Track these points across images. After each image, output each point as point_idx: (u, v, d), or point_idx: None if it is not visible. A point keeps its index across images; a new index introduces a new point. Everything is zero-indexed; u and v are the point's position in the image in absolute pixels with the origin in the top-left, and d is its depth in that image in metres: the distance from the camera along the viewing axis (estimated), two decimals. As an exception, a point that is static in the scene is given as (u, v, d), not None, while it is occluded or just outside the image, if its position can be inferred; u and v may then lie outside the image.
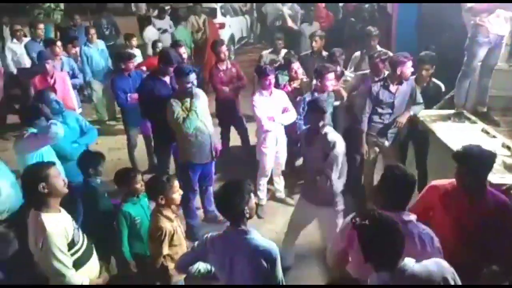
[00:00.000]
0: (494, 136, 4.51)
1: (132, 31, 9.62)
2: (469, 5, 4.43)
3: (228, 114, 6.20)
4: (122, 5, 20.67)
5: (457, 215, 2.90)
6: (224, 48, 6.06)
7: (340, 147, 3.90)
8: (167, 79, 4.90)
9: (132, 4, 15.94)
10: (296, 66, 5.48)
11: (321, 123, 3.97)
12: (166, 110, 4.46)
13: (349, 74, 5.73)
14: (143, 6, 15.23)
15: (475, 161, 2.91)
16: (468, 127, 4.76)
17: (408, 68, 4.68)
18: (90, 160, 3.89)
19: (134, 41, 8.21)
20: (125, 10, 18.81)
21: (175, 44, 6.09)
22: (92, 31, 8.25)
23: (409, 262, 2.21)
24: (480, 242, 2.90)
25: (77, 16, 10.44)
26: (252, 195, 2.70)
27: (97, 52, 7.99)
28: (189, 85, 4.42)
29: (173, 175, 3.85)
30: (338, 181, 3.98)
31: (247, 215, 2.65)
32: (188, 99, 4.46)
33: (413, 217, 2.63)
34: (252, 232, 2.65)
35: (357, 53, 6.26)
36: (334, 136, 3.94)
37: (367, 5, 11.17)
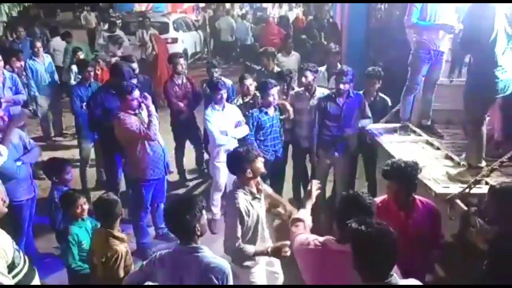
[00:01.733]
0: (438, 148, 4.69)
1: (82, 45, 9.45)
2: (411, 22, 4.63)
3: (184, 128, 6.12)
4: (71, 18, 20.25)
5: (393, 228, 2.97)
6: (181, 60, 6.01)
7: None
8: None
9: (82, 17, 15.58)
10: (249, 82, 5.49)
11: None
12: (115, 125, 4.34)
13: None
14: (92, 19, 14.98)
15: (401, 176, 3.02)
16: (413, 140, 4.94)
17: (344, 83, 4.81)
18: (53, 168, 3.73)
19: (81, 55, 7.97)
20: (73, 22, 18.39)
21: (127, 58, 5.98)
22: (38, 44, 7.95)
23: (396, 277, 2.13)
24: (419, 248, 3.01)
25: (21, 28, 10.04)
26: (204, 212, 2.64)
27: (43, 66, 7.69)
28: (134, 102, 4.36)
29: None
30: None
31: (198, 233, 2.59)
32: (140, 111, 4.40)
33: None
34: (203, 249, 2.59)
35: (320, 68, 6.33)
36: None
37: (321, 23, 11.51)
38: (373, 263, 2.08)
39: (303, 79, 5.23)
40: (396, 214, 3.07)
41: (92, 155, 6.20)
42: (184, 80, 6.08)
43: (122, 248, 3.23)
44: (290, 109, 5.16)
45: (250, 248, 3.26)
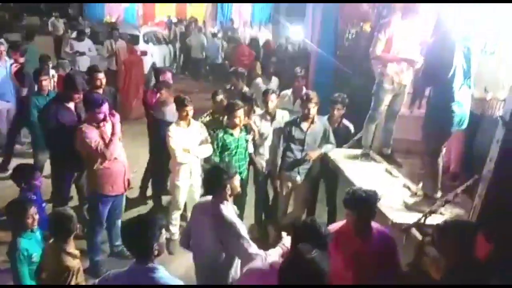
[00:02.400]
0: (396, 177, 4.81)
1: (47, 51, 9.23)
2: (376, 54, 4.78)
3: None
4: (38, 23, 19.77)
5: (350, 255, 3.03)
6: (168, 75, 5.95)
7: None
8: (71, 105, 4.66)
9: (49, 23, 15.24)
10: (220, 98, 5.50)
11: None
12: (74, 137, 4.22)
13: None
14: (60, 26, 14.69)
15: (360, 205, 3.07)
16: (373, 167, 5.05)
17: (310, 108, 4.90)
18: (21, 173, 3.57)
19: (49, 63, 7.76)
20: (40, 28, 17.93)
21: (93, 69, 5.83)
22: (2, 47, 7.67)
23: None
24: (375, 275, 3.03)
25: (-16, 30, 9.72)
26: (163, 231, 2.58)
27: (5, 70, 7.42)
28: (101, 115, 4.25)
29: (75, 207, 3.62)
30: None
31: (156, 252, 2.52)
32: (104, 124, 4.30)
33: None
34: (159, 269, 2.53)
35: (286, 92, 6.39)
36: None
37: (289, 46, 11.70)
38: None
39: (270, 103, 5.27)
40: (353, 240, 3.10)
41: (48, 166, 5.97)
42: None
43: (74, 264, 3.13)
44: (256, 128, 5.18)
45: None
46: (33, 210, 3.41)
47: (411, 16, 4.60)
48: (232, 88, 6.72)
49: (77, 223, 3.30)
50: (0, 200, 5.11)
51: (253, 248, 3.17)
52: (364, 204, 3.07)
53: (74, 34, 12.27)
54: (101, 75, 5.65)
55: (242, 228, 3.27)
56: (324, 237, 2.56)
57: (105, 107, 4.27)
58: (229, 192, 3.30)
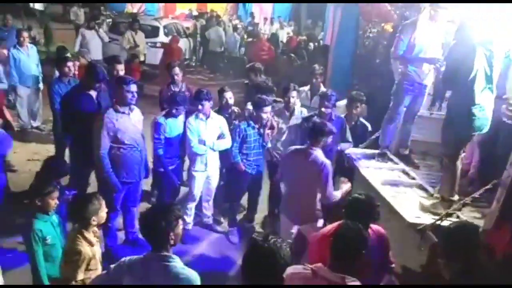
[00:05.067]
0: (413, 178, 4.78)
1: (69, 39, 9.36)
2: (397, 54, 4.75)
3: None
4: (60, 11, 20.00)
5: None
6: (177, 70, 5.97)
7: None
8: (93, 94, 4.72)
9: (71, 12, 15.42)
10: (228, 95, 5.52)
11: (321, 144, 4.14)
12: (94, 123, 4.29)
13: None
14: (81, 16, 14.84)
15: (361, 214, 3.06)
16: (390, 167, 5.02)
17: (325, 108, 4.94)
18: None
19: (68, 55, 7.85)
20: (63, 17, 18.17)
21: (114, 59, 5.89)
22: (25, 34, 7.82)
23: None
24: (369, 273, 2.99)
25: (9, 16, 9.88)
26: (180, 221, 2.62)
27: (27, 56, 7.57)
28: (129, 94, 4.31)
29: (96, 192, 3.66)
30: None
31: (172, 241, 2.56)
32: (126, 111, 4.35)
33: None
34: (174, 259, 2.56)
35: (303, 88, 6.37)
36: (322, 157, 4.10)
37: (311, 44, 11.68)
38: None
39: (291, 99, 5.27)
40: None
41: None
42: (183, 88, 5.98)
43: (87, 250, 3.15)
44: (275, 123, 5.20)
45: None
46: (55, 194, 3.48)
47: (438, 18, 4.56)
48: (250, 83, 6.73)
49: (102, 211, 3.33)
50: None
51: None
52: (364, 210, 3.10)
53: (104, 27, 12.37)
54: (121, 66, 5.70)
55: None
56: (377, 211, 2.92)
57: (134, 87, 4.33)
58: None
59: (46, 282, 3.38)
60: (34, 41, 10.11)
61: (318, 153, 4.11)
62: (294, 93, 5.31)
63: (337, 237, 2.61)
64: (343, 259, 2.56)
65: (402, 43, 4.66)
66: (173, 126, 4.95)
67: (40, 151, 6.89)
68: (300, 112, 5.37)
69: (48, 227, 3.45)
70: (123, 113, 4.35)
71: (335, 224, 3.09)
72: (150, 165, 5.03)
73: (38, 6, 19.29)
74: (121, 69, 5.67)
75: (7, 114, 5.58)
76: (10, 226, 4.99)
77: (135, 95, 4.38)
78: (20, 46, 7.54)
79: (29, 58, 7.58)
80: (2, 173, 4.37)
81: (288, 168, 4.37)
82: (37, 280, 3.40)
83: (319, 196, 4.15)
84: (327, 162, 4.09)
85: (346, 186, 4.32)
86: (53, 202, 3.46)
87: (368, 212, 3.11)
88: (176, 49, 11.30)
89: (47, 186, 3.50)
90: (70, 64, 6.01)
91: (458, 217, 3.80)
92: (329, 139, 4.20)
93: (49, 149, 6.66)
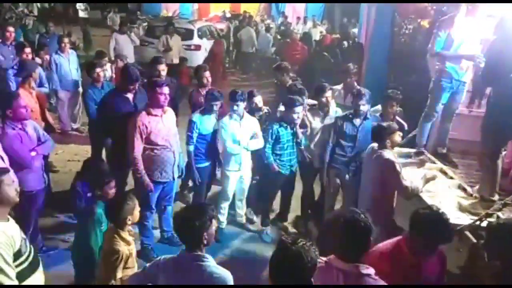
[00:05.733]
0: (451, 177, 4.65)
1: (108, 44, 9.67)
2: (435, 51, 4.63)
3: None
4: (99, 16, 20.64)
5: (406, 272, 2.82)
6: (207, 73, 6.04)
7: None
8: (129, 96, 4.84)
9: (108, 18, 15.88)
10: (258, 99, 5.53)
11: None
12: (128, 126, 4.39)
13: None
14: (118, 21, 15.26)
15: (427, 229, 2.79)
16: (428, 167, 4.89)
17: (361, 105, 4.82)
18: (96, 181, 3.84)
19: (106, 59, 8.07)
20: (102, 22, 18.73)
21: (156, 60, 5.99)
22: (66, 40, 8.14)
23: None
24: None
25: (51, 23, 10.29)
26: (213, 221, 2.64)
27: (67, 61, 7.86)
28: (162, 97, 4.39)
29: (130, 192, 3.78)
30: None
31: (205, 241, 2.59)
32: (159, 113, 4.44)
33: (371, 270, 2.50)
34: (207, 258, 2.60)
35: (337, 87, 6.29)
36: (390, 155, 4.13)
37: (344, 42, 11.55)
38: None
39: (323, 99, 5.23)
40: (409, 258, 2.85)
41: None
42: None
43: (124, 249, 3.24)
44: (308, 124, 5.17)
45: None
46: (112, 183, 3.75)
47: (477, 13, 4.41)
48: (278, 83, 6.70)
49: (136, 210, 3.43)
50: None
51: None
52: (428, 225, 2.80)
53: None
54: (162, 67, 5.79)
55: None
56: (369, 229, 2.56)
57: (166, 89, 4.42)
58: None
59: (97, 257, 3.56)
60: (74, 46, 10.47)
61: (386, 153, 4.12)
62: (329, 93, 5.26)
63: (347, 226, 2.56)
64: (355, 247, 2.53)
65: (440, 40, 4.54)
66: (207, 123, 5.01)
67: (80, 152, 7.12)
68: (335, 112, 5.30)
69: (103, 215, 3.61)
70: (156, 115, 4.44)
71: (393, 240, 2.95)
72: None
73: (81, 14, 19.97)
74: (162, 69, 5.72)
75: (49, 117, 5.79)
76: (53, 225, 5.23)
77: (167, 97, 4.45)
78: (61, 52, 7.86)
79: (69, 63, 7.87)
80: (45, 173, 4.54)
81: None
82: (89, 258, 3.61)
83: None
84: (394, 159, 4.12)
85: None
86: (111, 191, 3.69)
87: (441, 232, 2.83)
88: (298, 46, 11.72)
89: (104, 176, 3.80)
90: (98, 69, 6.09)
91: (498, 217, 3.67)
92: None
93: (88, 150, 6.82)
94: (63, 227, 5.12)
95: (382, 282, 2.51)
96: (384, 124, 4.34)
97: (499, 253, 2.73)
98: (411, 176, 4.26)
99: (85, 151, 7.01)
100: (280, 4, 20.65)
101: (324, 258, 2.60)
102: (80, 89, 7.94)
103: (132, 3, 20.11)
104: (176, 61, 10.56)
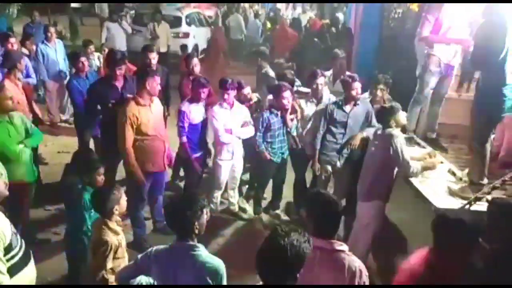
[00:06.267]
0: (441, 162, 4.67)
1: (94, 33, 9.52)
2: (423, 35, 4.62)
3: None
4: (86, 5, 20.27)
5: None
6: (194, 61, 5.98)
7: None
8: (117, 84, 4.77)
9: (95, 5, 15.64)
10: (246, 91, 5.51)
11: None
12: (117, 118, 4.35)
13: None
14: (106, 9, 15.04)
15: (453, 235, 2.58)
16: (417, 152, 4.92)
17: (354, 89, 4.80)
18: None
19: (92, 48, 7.96)
20: (89, 10, 18.43)
21: (146, 48, 5.91)
22: (52, 29, 8.02)
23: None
24: None
25: (36, 13, 10.11)
26: (204, 210, 2.64)
27: (54, 51, 7.74)
28: (156, 86, 4.37)
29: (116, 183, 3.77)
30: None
31: (197, 231, 2.59)
32: (147, 103, 4.40)
33: (345, 247, 2.60)
34: (199, 248, 2.60)
35: (326, 72, 6.24)
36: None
37: (333, 28, 11.50)
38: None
39: (315, 86, 5.21)
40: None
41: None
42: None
43: (113, 240, 3.23)
44: (299, 109, 5.17)
45: None
46: (101, 170, 3.72)
47: None
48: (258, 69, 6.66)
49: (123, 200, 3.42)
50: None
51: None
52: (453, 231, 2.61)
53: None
54: (153, 55, 5.72)
55: None
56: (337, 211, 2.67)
57: (158, 79, 4.39)
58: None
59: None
60: (60, 36, 10.31)
61: (392, 130, 4.16)
62: (321, 80, 5.24)
63: (313, 203, 2.68)
64: (325, 223, 2.62)
65: (429, 23, 4.53)
66: (196, 112, 4.98)
67: (70, 144, 7.03)
68: (328, 99, 5.28)
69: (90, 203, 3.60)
70: (144, 105, 4.40)
71: (421, 254, 2.74)
72: (173, 154, 5.08)
73: (74, 4, 19.53)
74: (153, 57, 5.66)
75: (37, 108, 5.72)
76: (44, 217, 5.20)
77: (158, 86, 4.42)
78: (47, 41, 7.73)
79: (56, 53, 7.76)
80: (35, 165, 4.49)
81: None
82: (81, 248, 3.61)
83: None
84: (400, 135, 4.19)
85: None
86: (100, 178, 3.67)
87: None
88: (288, 32, 11.71)
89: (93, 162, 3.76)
90: (83, 59, 6.00)
91: (487, 200, 3.70)
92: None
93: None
94: (55, 219, 5.10)
95: (355, 258, 2.58)
96: (387, 105, 4.38)
97: (500, 235, 2.73)
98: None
99: (75, 142, 6.93)
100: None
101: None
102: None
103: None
104: (163, 49, 10.46)
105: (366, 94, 5.31)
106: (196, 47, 12.96)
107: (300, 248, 2.07)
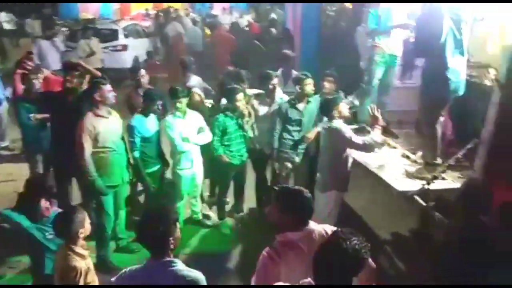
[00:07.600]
0: (394, 147, 4.87)
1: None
2: (370, 28, 4.79)
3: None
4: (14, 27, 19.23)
5: None
6: (141, 72, 5.86)
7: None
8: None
9: (26, 24, 14.91)
10: (196, 97, 5.50)
11: None
12: (75, 130, 4.22)
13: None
14: (37, 27, 14.38)
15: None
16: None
17: (308, 85, 4.90)
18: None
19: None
20: (19, 31, 17.47)
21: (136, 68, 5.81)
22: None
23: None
24: None
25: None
26: (177, 224, 2.54)
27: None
28: (110, 94, 4.29)
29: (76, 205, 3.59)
30: None
31: (172, 246, 2.48)
32: (106, 115, 4.31)
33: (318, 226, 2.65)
34: (177, 262, 2.48)
35: (276, 73, 6.27)
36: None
37: (272, 29, 11.66)
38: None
39: (271, 86, 5.25)
40: None
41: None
42: None
43: (82, 264, 3.08)
44: (252, 112, 5.19)
45: None
46: (44, 203, 3.45)
47: None
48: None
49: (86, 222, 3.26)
50: None
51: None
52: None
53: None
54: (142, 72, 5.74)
55: None
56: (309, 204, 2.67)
57: (108, 87, 4.32)
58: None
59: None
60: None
61: (334, 123, 4.23)
62: (275, 80, 5.29)
63: (289, 196, 2.68)
64: (303, 214, 2.63)
65: (372, 16, 4.70)
66: (148, 124, 4.87)
67: (14, 171, 6.66)
68: (280, 98, 5.34)
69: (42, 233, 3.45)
70: (102, 116, 4.29)
71: None
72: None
73: (6, 26, 18.44)
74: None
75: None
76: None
77: (113, 93, 4.35)
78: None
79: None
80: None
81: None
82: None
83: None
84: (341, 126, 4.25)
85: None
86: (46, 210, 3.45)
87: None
88: (226, 37, 11.41)
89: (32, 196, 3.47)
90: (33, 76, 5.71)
91: (443, 179, 3.90)
92: None
93: (23, 167, 6.45)
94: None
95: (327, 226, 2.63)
96: (330, 96, 4.46)
97: (460, 211, 2.89)
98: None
99: (20, 168, 6.58)
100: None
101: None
102: (5, 104, 7.41)
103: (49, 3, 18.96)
104: (98, 65, 10.11)
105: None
106: (136, 58, 12.68)
107: (361, 252, 2.07)
